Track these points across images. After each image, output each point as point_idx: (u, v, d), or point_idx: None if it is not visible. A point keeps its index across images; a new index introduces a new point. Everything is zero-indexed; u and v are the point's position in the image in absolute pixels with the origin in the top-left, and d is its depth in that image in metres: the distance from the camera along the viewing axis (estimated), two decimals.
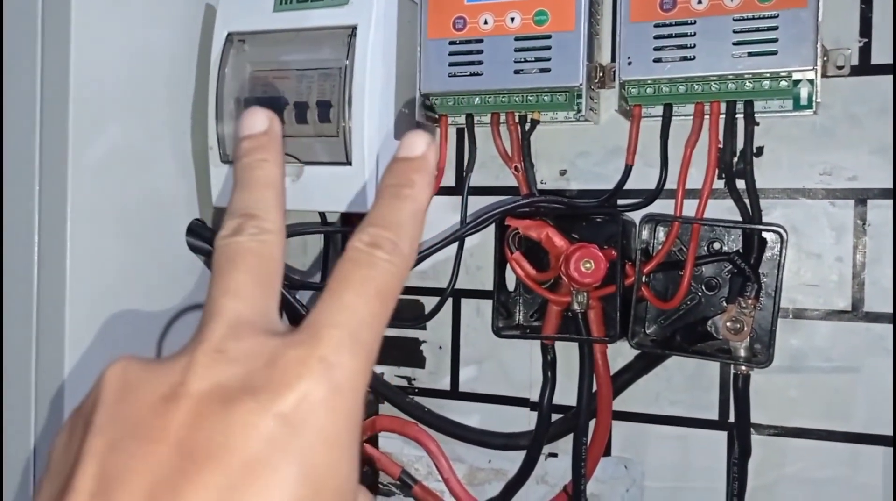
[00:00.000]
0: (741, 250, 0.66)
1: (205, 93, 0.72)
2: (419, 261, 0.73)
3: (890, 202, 0.63)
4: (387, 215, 0.29)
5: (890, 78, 0.63)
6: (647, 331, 0.69)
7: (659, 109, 0.66)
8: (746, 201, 0.65)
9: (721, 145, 0.65)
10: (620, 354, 0.71)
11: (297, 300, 0.78)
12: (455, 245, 0.73)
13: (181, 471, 0.21)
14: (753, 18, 0.60)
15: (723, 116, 0.64)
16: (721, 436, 0.69)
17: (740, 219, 0.66)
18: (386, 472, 0.78)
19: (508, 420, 0.76)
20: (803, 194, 0.66)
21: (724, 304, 0.65)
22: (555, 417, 0.72)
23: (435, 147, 0.31)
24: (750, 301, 0.62)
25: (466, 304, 0.77)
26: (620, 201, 0.69)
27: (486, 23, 0.68)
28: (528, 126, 0.71)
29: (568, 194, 0.72)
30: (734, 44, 0.61)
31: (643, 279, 0.66)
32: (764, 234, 0.65)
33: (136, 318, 0.71)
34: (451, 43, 0.69)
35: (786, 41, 0.60)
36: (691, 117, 0.65)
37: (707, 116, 0.65)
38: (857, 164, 0.64)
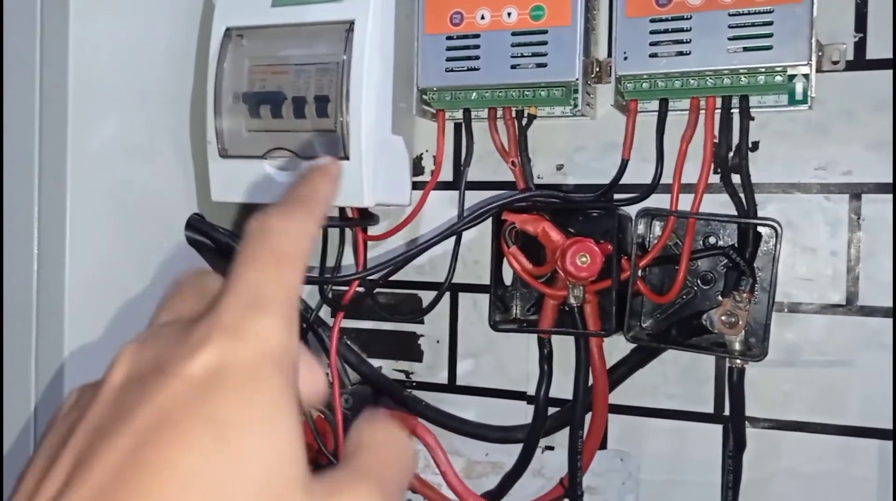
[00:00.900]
0: (736, 245, 0.66)
1: (203, 88, 0.73)
2: (417, 255, 0.73)
3: (884, 197, 0.64)
4: (279, 202, 0.29)
5: (885, 73, 0.63)
6: (643, 325, 0.69)
7: (655, 104, 0.67)
8: (742, 195, 0.65)
9: (716, 140, 0.65)
10: (616, 348, 0.71)
11: None
12: (452, 239, 0.73)
13: (91, 448, 0.23)
14: (748, 13, 0.60)
15: (718, 110, 0.65)
16: (716, 429, 0.69)
17: (735, 213, 0.66)
18: None
19: (505, 414, 0.76)
20: (798, 189, 0.66)
21: (720, 298, 0.65)
22: (551, 410, 0.73)
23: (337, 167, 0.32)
24: (745, 295, 0.63)
25: (464, 298, 0.78)
26: (617, 196, 0.70)
27: (482, 18, 0.68)
28: (524, 121, 0.71)
29: (564, 189, 0.73)
30: (729, 39, 0.61)
31: (639, 273, 0.67)
32: (759, 228, 0.65)
33: (135, 311, 0.71)
34: (449, 38, 0.69)
35: (781, 36, 0.60)
36: (687, 112, 0.65)
37: (703, 111, 0.65)
38: (851, 159, 0.65)
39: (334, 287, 0.78)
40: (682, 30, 0.62)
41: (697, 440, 0.70)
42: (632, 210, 0.69)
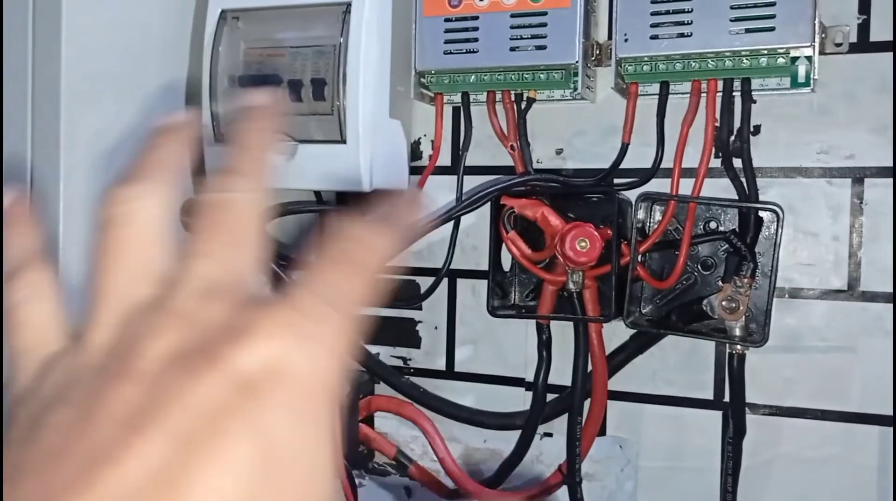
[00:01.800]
0: (737, 230, 0.66)
1: (198, 71, 0.72)
2: (413, 241, 0.73)
3: (887, 181, 0.63)
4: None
5: (888, 55, 0.63)
6: (643, 310, 0.69)
7: (655, 87, 0.66)
8: (743, 179, 0.65)
9: (718, 124, 0.64)
10: (616, 333, 0.71)
11: (293, 280, 0.78)
12: (450, 225, 0.73)
13: (122, 442, 0.19)
14: None
15: (720, 93, 0.64)
16: (716, 416, 0.69)
17: (737, 198, 0.65)
18: (381, 452, 0.78)
19: (504, 400, 0.76)
20: (800, 173, 0.66)
21: (720, 283, 0.65)
22: (550, 397, 0.72)
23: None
24: (746, 281, 0.62)
25: (462, 284, 0.77)
26: (616, 180, 0.69)
27: (481, 0, 0.67)
28: (524, 104, 0.70)
29: (564, 173, 0.72)
30: (731, 20, 0.60)
31: (639, 259, 0.66)
32: (760, 213, 0.64)
33: None
34: (447, 20, 0.69)
35: (784, 17, 0.59)
36: (688, 95, 0.65)
37: (704, 94, 0.64)
38: (854, 142, 0.64)
39: None
40: (683, 11, 0.61)
41: (697, 426, 0.69)
42: (632, 195, 0.68)
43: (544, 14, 0.65)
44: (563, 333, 0.71)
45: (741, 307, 0.62)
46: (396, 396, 0.78)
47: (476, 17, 0.67)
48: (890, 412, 0.63)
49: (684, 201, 0.65)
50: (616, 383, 0.71)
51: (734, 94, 0.64)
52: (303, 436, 0.21)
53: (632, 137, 0.67)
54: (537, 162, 0.73)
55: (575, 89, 0.67)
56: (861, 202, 0.64)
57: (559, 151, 0.73)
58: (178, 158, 0.27)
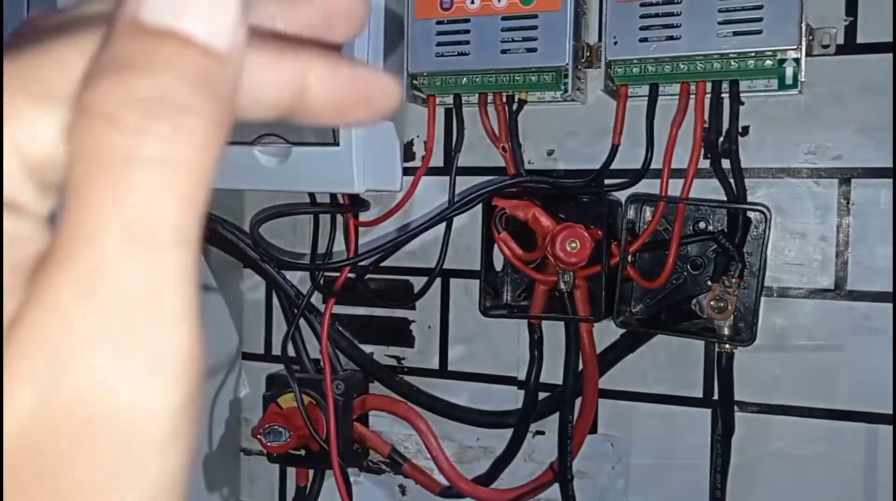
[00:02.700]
0: (726, 230, 0.66)
1: None
2: (407, 240, 0.73)
3: (874, 181, 0.64)
4: None
5: (876, 57, 0.63)
6: (633, 310, 0.69)
7: (645, 89, 0.66)
8: (731, 180, 0.65)
9: (706, 125, 0.65)
10: (606, 333, 0.71)
11: (288, 281, 0.79)
12: (443, 225, 0.73)
13: None
14: None
15: (708, 95, 0.65)
16: (705, 414, 0.69)
17: (725, 199, 0.66)
18: (376, 450, 0.79)
19: (496, 399, 0.76)
20: (788, 174, 0.66)
21: (709, 283, 0.66)
22: (542, 395, 0.73)
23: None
24: (734, 280, 0.63)
25: (455, 284, 0.78)
26: (607, 181, 0.69)
27: (472, 2, 0.68)
28: (515, 106, 0.71)
29: (555, 174, 0.73)
30: (719, 23, 0.61)
31: (629, 259, 0.67)
32: (749, 213, 0.65)
33: None
34: (439, 23, 0.69)
35: (771, 20, 0.60)
36: (677, 97, 0.65)
37: (693, 96, 0.65)
38: (841, 143, 0.65)
39: (325, 273, 0.78)
40: (672, 14, 0.62)
41: (687, 424, 0.70)
42: (622, 195, 0.69)
43: (535, 17, 0.66)
44: (554, 332, 0.72)
45: (729, 307, 0.63)
46: (390, 395, 0.79)
47: (467, 20, 0.68)
48: (877, 410, 0.64)
49: (673, 202, 0.66)
50: (607, 381, 0.72)
51: (722, 95, 0.64)
52: None
53: (622, 138, 0.67)
54: (529, 163, 0.74)
55: (565, 91, 0.68)
56: (848, 202, 0.65)
57: (550, 153, 0.73)
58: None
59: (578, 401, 0.71)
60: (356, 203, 0.75)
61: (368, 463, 0.82)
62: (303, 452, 0.77)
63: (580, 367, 0.70)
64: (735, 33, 0.61)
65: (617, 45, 0.64)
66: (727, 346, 0.64)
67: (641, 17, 0.63)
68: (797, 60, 0.62)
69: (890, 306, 0.63)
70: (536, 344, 0.72)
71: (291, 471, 0.84)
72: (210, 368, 0.83)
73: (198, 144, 0.14)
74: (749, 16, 0.60)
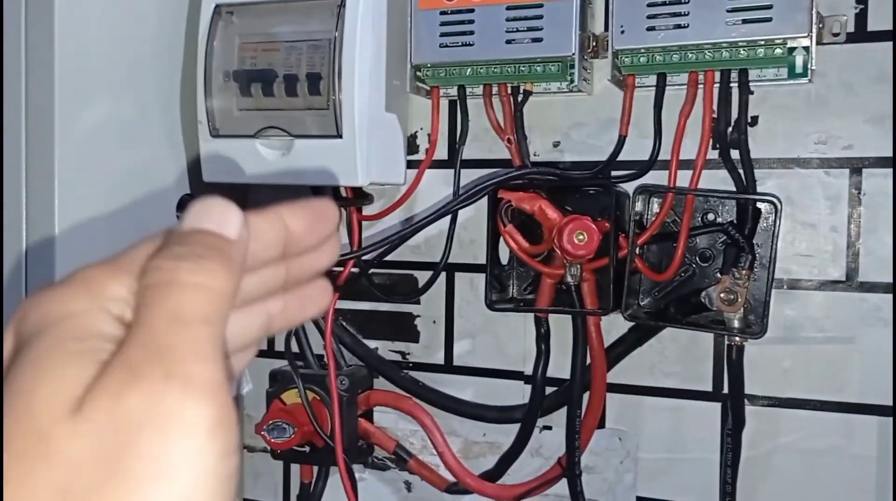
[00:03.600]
0: (735, 221, 0.65)
1: (193, 66, 0.71)
2: (412, 234, 0.72)
3: (885, 171, 0.63)
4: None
5: (886, 45, 0.62)
6: (641, 303, 0.69)
7: (652, 79, 0.66)
8: (741, 171, 0.64)
9: (715, 115, 0.64)
10: (614, 326, 0.70)
11: None
12: (448, 219, 0.72)
13: None
14: None
15: (717, 85, 0.64)
16: (715, 407, 0.69)
17: (734, 189, 0.65)
18: (381, 446, 0.78)
19: (503, 394, 0.76)
20: (798, 164, 0.65)
21: (718, 275, 0.65)
22: (549, 390, 0.72)
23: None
24: (744, 272, 0.62)
25: (460, 278, 0.77)
26: (614, 173, 0.69)
27: None
28: (520, 97, 0.70)
29: (561, 166, 0.72)
30: (728, 11, 0.60)
31: (637, 251, 0.66)
32: (758, 204, 0.64)
33: None
34: (443, 13, 0.68)
35: (780, 8, 0.59)
36: (685, 87, 0.64)
37: (701, 86, 0.64)
38: (852, 132, 0.64)
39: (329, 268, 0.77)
40: (679, 2, 0.61)
41: (696, 418, 0.69)
42: (629, 187, 0.68)
43: (540, 6, 0.65)
44: (561, 326, 0.71)
45: (740, 299, 0.62)
46: (395, 390, 0.78)
47: (472, 10, 0.67)
48: (889, 403, 0.63)
49: (682, 193, 0.65)
50: (615, 375, 0.71)
51: (731, 85, 0.64)
52: None
53: (629, 129, 0.67)
54: (534, 155, 0.73)
55: (572, 82, 0.67)
56: (859, 193, 0.64)
57: (556, 144, 0.73)
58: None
59: (586, 396, 0.70)
60: (359, 197, 0.74)
61: (373, 460, 0.81)
62: (307, 448, 0.76)
63: (588, 361, 0.69)
64: (744, 21, 0.60)
65: (624, 34, 0.63)
66: (737, 338, 0.63)
67: (649, 5, 0.62)
68: (807, 49, 0.61)
69: None
70: (543, 338, 0.71)
71: (295, 468, 0.83)
72: None
73: (213, 277, 0.23)
74: (758, 3, 0.59)
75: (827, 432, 0.65)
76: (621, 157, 0.67)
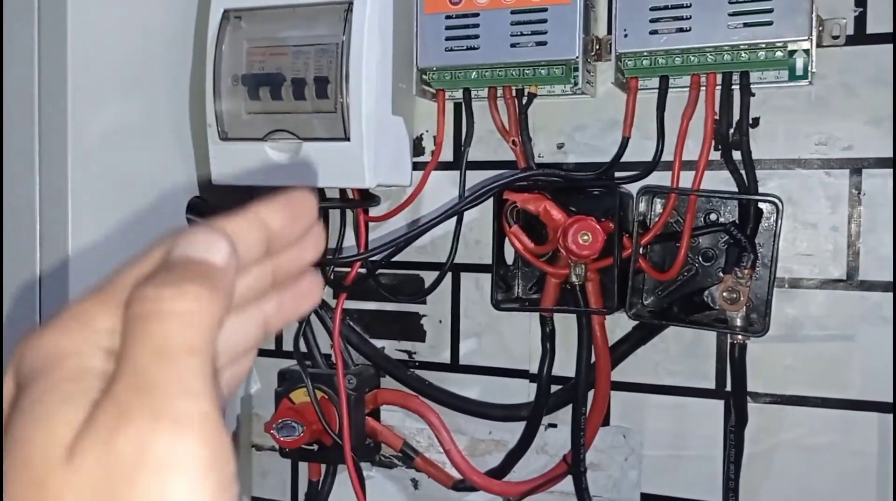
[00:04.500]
0: (737, 221, 0.66)
1: (202, 70, 0.72)
2: (418, 235, 0.73)
3: (885, 171, 0.64)
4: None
5: (886, 47, 0.63)
6: (645, 302, 0.70)
7: (655, 82, 0.66)
8: (742, 172, 0.65)
9: (717, 117, 0.65)
10: (618, 325, 0.71)
11: None
12: (454, 220, 0.73)
13: None
14: None
15: (719, 87, 0.65)
16: (718, 405, 0.69)
17: (736, 190, 0.66)
18: (388, 445, 0.79)
19: (508, 392, 0.77)
20: (799, 165, 0.66)
21: (721, 274, 0.66)
22: (554, 388, 0.73)
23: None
24: (746, 271, 0.63)
25: (466, 278, 0.78)
26: (617, 174, 0.70)
27: None
28: (525, 100, 0.71)
29: (565, 168, 0.73)
30: (729, 14, 0.61)
31: (640, 251, 0.67)
32: (760, 204, 0.65)
33: None
34: (448, 17, 0.69)
35: (781, 11, 0.60)
36: (687, 89, 0.65)
37: (703, 88, 0.65)
38: (852, 134, 0.65)
39: (336, 269, 0.78)
40: (682, 6, 0.62)
41: (699, 415, 0.70)
42: (633, 188, 0.69)
43: (544, 10, 0.66)
44: (566, 325, 0.72)
45: (742, 298, 0.63)
46: (402, 389, 0.79)
47: (477, 14, 0.68)
48: (890, 399, 0.64)
49: (685, 194, 0.66)
50: (619, 373, 0.72)
51: (733, 87, 0.64)
52: None
53: (632, 131, 0.68)
54: (539, 156, 0.74)
55: (575, 84, 0.68)
56: (859, 193, 0.65)
57: (560, 146, 0.74)
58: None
59: (591, 394, 0.71)
60: (366, 198, 0.75)
61: (381, 458, 0.82)
62: (315, 447, 0.77)
63: (592, 359, 0.70)
64: (745, 24, 0.61)
65: (627, 37, 0.64)
66: (740, 337, 0.64)
67: (651, 9, 0.63)
68: (807, 51, 0.62)
69: None
70: (548, 337, 0.72)
71: (303, 466, 0.84)
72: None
73: (198, 302, 0.22)
74: (759, 7, 0.60)
75: (828, 428, 0.66)
76: (624, 158, 0.68)
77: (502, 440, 0.77)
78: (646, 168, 0.68)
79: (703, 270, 0.68)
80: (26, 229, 0.65)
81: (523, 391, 0.76)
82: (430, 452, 0.79)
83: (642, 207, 0.68)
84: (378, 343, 0.81)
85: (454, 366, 0.79)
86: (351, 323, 0.82)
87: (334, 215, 0.79)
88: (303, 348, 0.78)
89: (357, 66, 0.67)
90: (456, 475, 0.77)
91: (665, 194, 0.67)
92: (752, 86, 0.64)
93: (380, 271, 0.79)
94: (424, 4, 0.70)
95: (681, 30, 0.62)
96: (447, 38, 0.69)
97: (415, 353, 0.81)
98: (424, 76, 0.72)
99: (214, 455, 0.21)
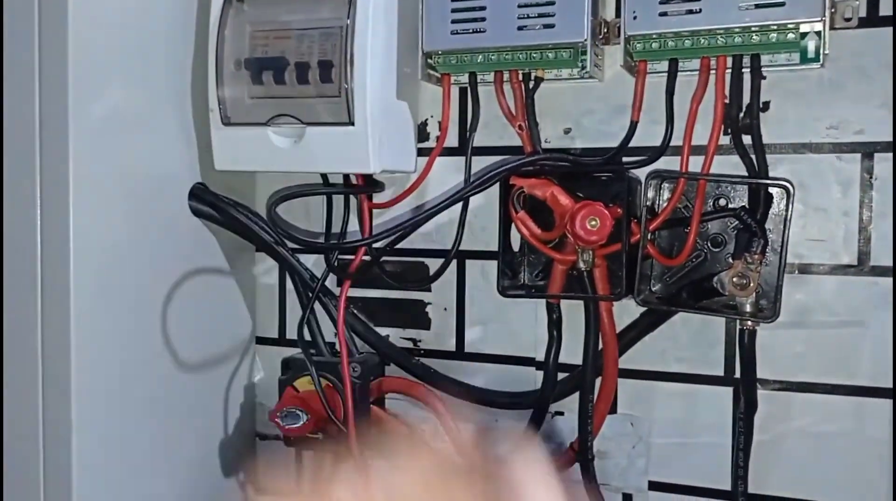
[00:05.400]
0: (747, 206, 0.66)
1: (204, 54, 0.71)
2: (424, 221, 0.73)
3: None
4: None
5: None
6: (653, 288, 0.69)
7: (664, 65, 0.66)
8: (753, 156, 0.64)
9: (727, 100, 0.64)
10: (626, 312, 0.71)
11: (302, 264, 0.78)
12: (459, 206, 0.72)
13: None
14: None
15: (729, 70, 0.64)
16: (727, 392, 0.69)
17: (746, 174, 0.65)
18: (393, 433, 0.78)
19: (515, 380, 0.76)
20: (810, 149, 0.66)
21: (730, 260, 0.65)
22: (561, 376, 0.72)
23: None
24: (756, 257, 0.62)
25: (471, 265, 0.77)
26: (626, 159, 0.69)
27: None
28: (532, 84, 0.70)
29: (573, 153, 0.72)
30: None
31: (649, 237, 0.66)
32: (770, 189, 0.64)
33: (139, 281, 0.71)
34: (454, 0, 0.68)
35: None
36: (697, 72, 0.64)
37: (713, 71, 0.64)
38: (864, 117, 0.64)
39: (340, 256, 0.78)
40: None
41: (708, 402, 0.69)
42: (641, 173, 0.68)
43: None
44: (573, 312, 0.71)
45: (752, 284, 0.62)
46: (407, 377, 0.79)
47: None
48: None
49: (694, 179, 0.65)
50: (627, 361, 0.71)
51: (743, 70, 0.64)
52: None
53: (641, 115, 0.67)
54: (545, 142, 0.73)
55: (583, 68, 0.67)
56: (871, 177, 0.64)
57: (567, 131, 0.73)
58: None
59: (598, 381, 0.71)
60: (370, 184, 0.75)
61: None
62: (320, 435, 0.76)
63: (600, 346, 0.70)
64: (757, 6, 0.60)
65: (636, 19, 0.63)
66: (749, 323, 0.64)
67: None
68: (819, 33, 0.61)
69: None
70: (555, 324, 0.71)
71: (308, 455, 0.84)
72: (224, 353, 0.83)
73: None
74: None
75: (839, 415, 0.65)
76: (633, 143, 0.67)
77: (509, 428, 0.77)
78: (654, 153, 0.67)
79: (712, 255, 0.67)
80: (27, 217, 0.64)
81: (530, 379, 0.75)
82: (434, 441, 0.78)
83: (651, 192, 0.67)
84: (383, 331, 0.81)
85: (460, 354, 0.78)
86: (355, 311, 0.81)
87: (338, 201, 0.78)
88: (307, 336, 0.77)
89: (362, 49, 0.66)
90: None
91: (674, 178, 0.66)
92: (762, 69, 0.64)
93: (384, 258, 0.78)
94: None
95: (691, 11, 0.61)
96: (453, 21, 0.68)
97: (420, 341, 0.80)
98: (430, 60, 0.71)
99: None
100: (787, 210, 0.63)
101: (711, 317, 0.68)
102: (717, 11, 0.61)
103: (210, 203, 0.75)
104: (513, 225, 0.70)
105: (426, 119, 0.77)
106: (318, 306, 0.78)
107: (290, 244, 0.77)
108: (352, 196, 0.77)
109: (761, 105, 0.65)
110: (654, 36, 0.63)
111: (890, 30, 0.63)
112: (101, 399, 0.67)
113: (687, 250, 0.65)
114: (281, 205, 0.73)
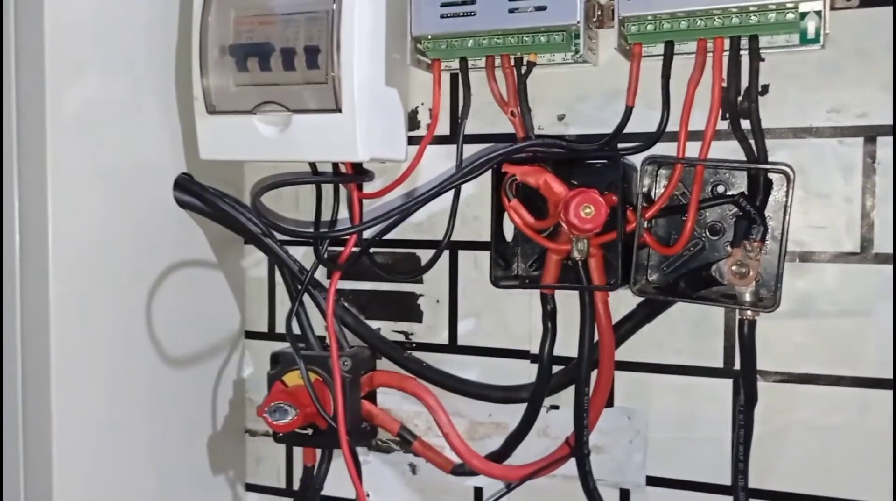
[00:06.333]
0: (746, 192, 0.64)
1: (188, 41, 0.70)
2: (414, 209, 0.71)
3: None
4: None
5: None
6: (650, 278, 0.67)
7: (660, 48, 0.64)
8: (751, 141, 0.63)
9: (725, 84, 0.62)
10: (622, 302, 0.69)
11: (290, 256, 0.76)
12: (450, 195, 0.71)
13: None
14: None
15: (726, 52, 0.62)
16: (726, 384, 0.67)
17: (745, 160, 0.63)
18: (385, 428, 0.77)
19: (508, 373, 0.74)
20: (810, 133, 0.64)
21: (729, 248, 0.63)
22: (556, 368, 0.71)
23: None
24: (755, 244, 0.60)
25: (463, 255, 0.75)
26: (621, 145, 0.67)
27: None
28: (524, 69, 0.68)
29: (567, 139, 0.70)
30: None
31: (645, 225, 0.64)
32: (770, 175, 0.63)
33: (123, 276, 0.69)
34: None
35: None
36: (694, 55, 0.63)
37: (710, 53, 0.62)
38: (866, 100, 0.62)
39: (330, 248, 0.76)
40: None
41: (707, 395, 0.68)
42: (637, 159, 0.66)
43: None
44: (568, 303, 0.70)
45: (751, 272, 0.61)
46: (399, 371, 0.77)
47: None
48: None
49: (691, 164, 0.63)
50: (623, 352, 0.70)
51: (741, 52, 0.62)
52: None
53: (636, 99, 0.65)
54: (538, 128, 0.71)
55: (577, 52, 0.65)
56: (874, 162, 0.62)
57: (561, 117, 0.71)
58: None
59: (594, 374, 0.69)
60: (359, 173, 0.73)
61: (377, 442, 0.80)
62: (309, 431, 0.74)
63: (595, 338, 0.68)
64: None
65: (630, 1, 0.61)
66: (749, 313, 0.62)
67: None
68: (819, 13, 0.59)
69: None
70: (550, 315, 0.70)
71: (298, 452, 0.82)
72: (212, 348, 0.81)
73: None
74: None
75: (842, 407, 0.64)
76: (628, 129, 0.65)
77: (502, 422, 0.75)
78: (650, 138, 0.65)
79: (710, 244, 0.66)
80: (4, 210, 0.62)
81: (524, 372, 0.74)
82: (428, 436, 0.77)
83: (647, 179, 0.65)
84: (374, 324, 0.79)
85: (452, 347, 0.77)
86: (345, 304, 0.79)
87: (327, 190, 0.76)
88: (296, 329, 0.76)
89: (349, 34, 0.64)
90: (455, 459, 0.74)
91: (670, 164, 0.64)
92: (761, 50, 0.62)
93: (375, 249, 0.77)
94: None
95: None
96: (442, 5, 0.66)
97: (412, 334, 0.78)
98: (419, 45, 0.69)
99: None
100: (787, 196, 0.61)
101: (710, 307, 0.66)
102: None
103: (195, 194, 0.73)
104: (505, 214, 0.68)
105: (417, 107, 0.75)
106: (307, 299, 0.77)
107: (280, 236, 0.75)
108: (342, 186, 0.76)
109: (760, 88, 0.63)
110: (649, 17, 0.62)
111: (892, 9, 0.61)
112: (83, 397, 0.65)
113: (684, 239, 0.63)
114: (271, 195, 0.71)
